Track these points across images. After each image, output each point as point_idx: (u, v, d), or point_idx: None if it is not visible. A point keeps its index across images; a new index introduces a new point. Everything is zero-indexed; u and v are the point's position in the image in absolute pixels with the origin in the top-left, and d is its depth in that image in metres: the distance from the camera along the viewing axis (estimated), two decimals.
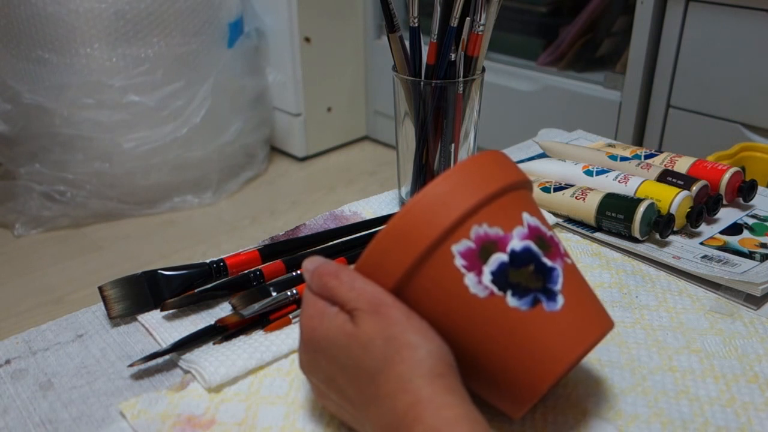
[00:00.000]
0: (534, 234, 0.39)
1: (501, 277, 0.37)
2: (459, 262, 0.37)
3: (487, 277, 0.37)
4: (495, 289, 0.37)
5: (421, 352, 0.36)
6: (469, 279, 0.37)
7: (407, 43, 0.63)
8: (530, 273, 0.38)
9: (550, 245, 0.39)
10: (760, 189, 0.70)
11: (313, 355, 0.39)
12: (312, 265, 0.41)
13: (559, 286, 0.38)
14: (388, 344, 0.36)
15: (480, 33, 0.60)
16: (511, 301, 0.37)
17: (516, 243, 0.38)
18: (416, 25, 0.61)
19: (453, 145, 0.64)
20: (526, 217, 0.39)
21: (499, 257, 0.37)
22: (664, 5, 1.43)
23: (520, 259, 0.38)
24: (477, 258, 0.37)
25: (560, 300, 0.38)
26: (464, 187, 0.38)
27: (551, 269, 0.39)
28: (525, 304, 0.37)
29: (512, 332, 0.37)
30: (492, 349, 0.38)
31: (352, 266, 0.40)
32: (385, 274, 0.38)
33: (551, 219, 0.66)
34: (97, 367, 0.48)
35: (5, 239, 1.76)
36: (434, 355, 0.36)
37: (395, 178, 0.70)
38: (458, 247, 0.37)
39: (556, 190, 0.67)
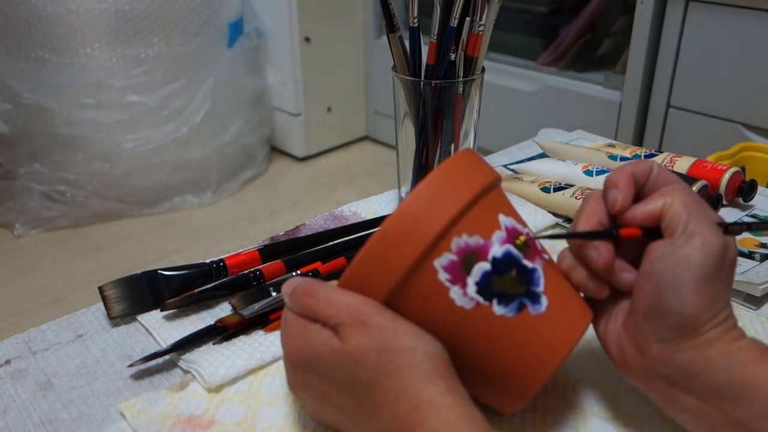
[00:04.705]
0: (512, 236, 0.39)
1: (485, 287, 0.37)
2: (443, 276, 0.37)
3: (471, 289, 0.37)
4: (481, 300, 0.37)
5: (418, 355, 0.35)
6: (455, 292, 0.37)
7: (407, 43, 0.63)
8: (513, 278, 0.38)
9: (528, 245, 0.39)
10: (760, 189, 0.70)
11: (304, 374, 0.39)
12: (290, 287, 0.40)
13: (541, 287, 0.39)
14: (382, 354, 0.35)
15: (480, 33, 0.60)
16: (497, 309, 0.37)
17: (497, 249, 0.38)
18: (416, 25, 0.61)
19: (453, 145, 0.64)
20: (503, 219, 0.39)
21: (481, 267, 0.37)
22: (664, 5, 1.43)
23: (502, 265, 0.38)
24: (460, 270, 0.37)
25: (544, 301, 0.38)
26: (440, 200, 0.37)
27: (532, 271, 0.39)
28: (511, 310, 0.38)
29: (501, 339, 0.38)
30: (482, 357, 0.38)
31: (333, 281, 0.39)
32: (369, 294, 0.37)
33: (551, 219, 0.66)
34: (97, 367, 0.48)
35: (5, 239, 1.76)
36: (431, 356, 0.36)
37: (395, 178, 0.70)
38: (441, 262, 0.37)
39: (556, 190, 0.67)
